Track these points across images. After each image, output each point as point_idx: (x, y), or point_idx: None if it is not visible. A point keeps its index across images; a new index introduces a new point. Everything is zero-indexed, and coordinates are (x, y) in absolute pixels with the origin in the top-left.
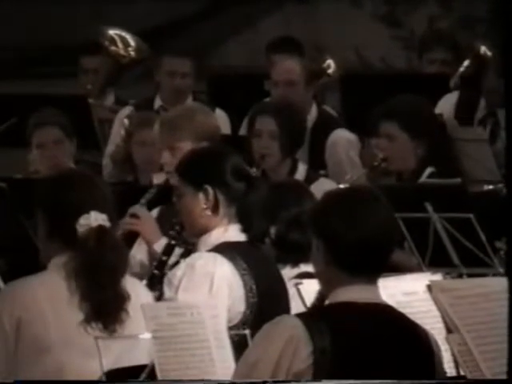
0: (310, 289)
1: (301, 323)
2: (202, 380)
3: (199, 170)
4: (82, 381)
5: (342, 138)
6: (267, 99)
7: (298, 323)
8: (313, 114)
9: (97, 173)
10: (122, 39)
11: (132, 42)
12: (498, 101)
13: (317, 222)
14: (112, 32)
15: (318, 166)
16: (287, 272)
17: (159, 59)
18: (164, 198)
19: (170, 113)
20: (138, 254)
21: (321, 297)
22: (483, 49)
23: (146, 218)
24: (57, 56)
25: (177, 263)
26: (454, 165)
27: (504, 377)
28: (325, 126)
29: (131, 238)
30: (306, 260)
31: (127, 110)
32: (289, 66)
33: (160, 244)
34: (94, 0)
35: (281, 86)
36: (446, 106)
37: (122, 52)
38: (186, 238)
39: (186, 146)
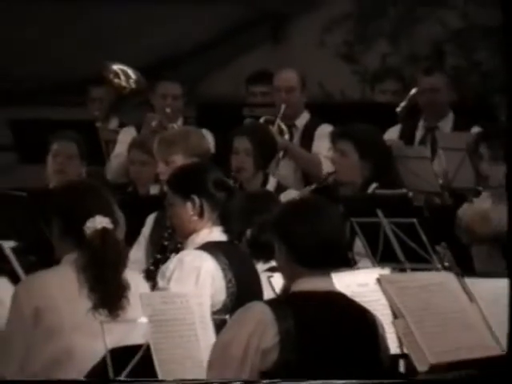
0: (280, 280)
1: (268, 309)
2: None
3: (187, 182)
4: (83, 381)
5: (327, 128)
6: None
7: (266, 309)
8: (306, 116)
9: (102, 183)
10: (124, 73)
11: (132, 75)
12: (437, 121)
13: (278, 228)
14: (115, 67)
15: None
16: (260, 266)
17: (154, 85)
18: (159, 205)
19: (167, 132)
20: (137, 252)
21: (286, 287)
22: (436, 79)
23: None
24: (70, 87)
25: (168, 259)
26: (395, 181)
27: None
28: (314, 123)
29: (132, 237)
30: (274, 256)
31: (131, 130)
32: (289, 75)
33: None
34: (101, 38)
35: (282, 91)
36: (394, 129)
37: (123, 84)
38: (176, 239)
39: (179, 160)
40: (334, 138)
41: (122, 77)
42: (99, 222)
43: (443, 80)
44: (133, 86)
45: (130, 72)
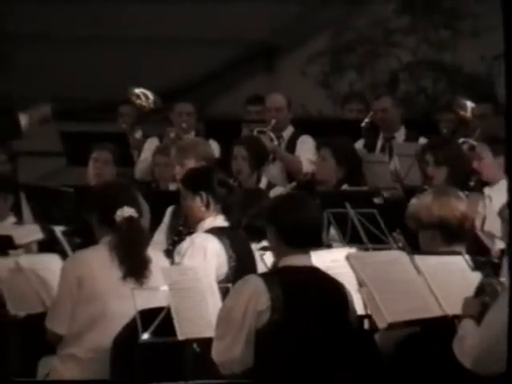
0: (270, 257)
1: (261, 280)
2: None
3: (196, 181)
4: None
5: (307, 138)
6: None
7: (260, 280)
8: (291, 129)
9: (131, 182)
10: (144, 95)
11: (151, 97)
12: (393, 133)
13: (270, 216)
14: (137, 90)
15: None
16: (255, 246)
17: (173, 105)
18: (176, 199)
19: (183, 141)
20: (159, 235)
21: (275, 263)
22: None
23: None
24: (105, 106)
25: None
26: (362, 181)
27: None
28: (297, 134)
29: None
30: (265, 238)
31: (155, 140)
32: (278, 98)
33: None
34: (131, 69)
35: (272, 110)
36: (360, 141)
37: (144, 103)
38: (189, 225)
39: (190, 163)
40: (317, 146)
41: (143, 98)
42: (126, 211)
43: (390, 102)
44: (151, 105)
45: (149, 94)
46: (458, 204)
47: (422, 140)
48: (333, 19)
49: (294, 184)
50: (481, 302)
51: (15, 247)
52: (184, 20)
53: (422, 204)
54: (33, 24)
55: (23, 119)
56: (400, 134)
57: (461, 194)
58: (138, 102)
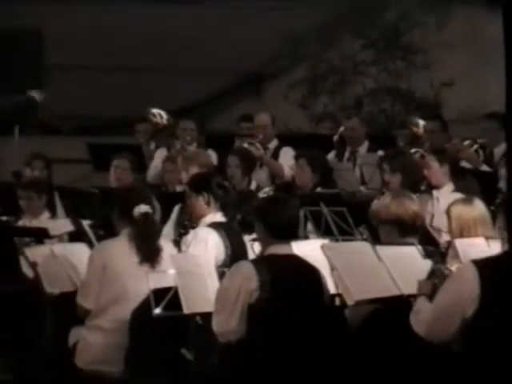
0: (258, 247)
1: (251, 265)
2: None
3: (199, 184)
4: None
5: (288, 149)
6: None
7: (250, 266)
8: (275, 142)
9: (146, 185)
10: (159, 114)
11: (165, 116)
12: (357, 147)
13: (258, 213)
14: (154, 110)
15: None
16: (246, 237)
17: (179, 122)
18: (182, 199)
19: (187, 152)
20: (168, 228)
21: (262, 251)
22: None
23: None
24: (125, 123)
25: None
26: (333, 185)
27: (365, 296)
28: (280, 146)
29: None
30: (255, 231)
31: (164, 150)
32: (264, 117)
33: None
34: (146, 92)
35: (260, 127)
36: (331, 153)
37: (159, 121)
38: (193, 220)
39: (194, 170)
40: (296, 157)
41: (158, 117)
42: (143, 208)
43: (358, 123)
44: (165, 122)
45: (163, 113)
46: (411, 204)
47: (381, 152)
48: (310, 53)
49: (272, 187)
50: (432, 283)
51: (50, 237)
52: (191, 53)
53: (381, 204)
54: (67, 56)
55: None
56: (363, 147)
57: (413, 196)
58: (155, 120)
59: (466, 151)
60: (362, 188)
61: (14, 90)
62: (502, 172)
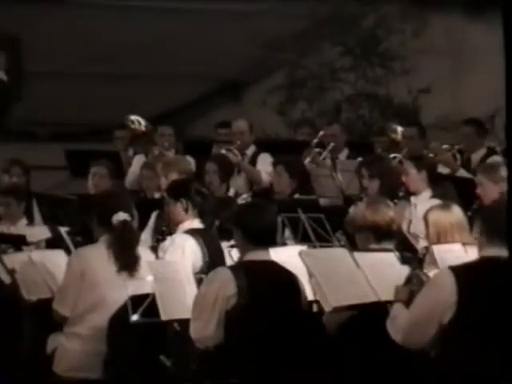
0: (236, 253)
1: (229, 271)
2: None
3: (177, 190)
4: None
5: (266, 155)
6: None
7: (228, 272)
8: (253, 148)
9: (124, 191)
10: (137, 121)
11: (143, 122)
12: (337, 154)
13: (236, 219)
14: (132, 117)
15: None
16: (224, 244)
17: (157, 128)
18: (160, 205)
19: (165, 158)
20: (146, 235)
21: (240, 258)
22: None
23: None
24: (103, 129)
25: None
26: (310, 191)
27: (343, 303)
28: (258, 152)
29: (143, 225)
30: (233, 238)
31: (142, 157)
32: (242, 123)
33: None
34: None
35: (238, 133)
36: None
37: (137, 127)
38: (170, 227)
39: (173, 176)
40: (274, 164)
41: (136, 123)
42: (121, 216)
43: (339, 129)
44: (143, 129)
45: (142, 120)
46: (387, 210)
47: (359, 159)
48: (288, 60)
49: (250, 193)
50: (409, 289)
51: (27, 244)
52: (168, 59)
53: (358, 211)
54: (46, 63)
55: None
56: (343, 154)
57: (389, 202)
58: (133, 126)
59: (444, 155)
60: (340, 193)
61: None
62: (479, 178)
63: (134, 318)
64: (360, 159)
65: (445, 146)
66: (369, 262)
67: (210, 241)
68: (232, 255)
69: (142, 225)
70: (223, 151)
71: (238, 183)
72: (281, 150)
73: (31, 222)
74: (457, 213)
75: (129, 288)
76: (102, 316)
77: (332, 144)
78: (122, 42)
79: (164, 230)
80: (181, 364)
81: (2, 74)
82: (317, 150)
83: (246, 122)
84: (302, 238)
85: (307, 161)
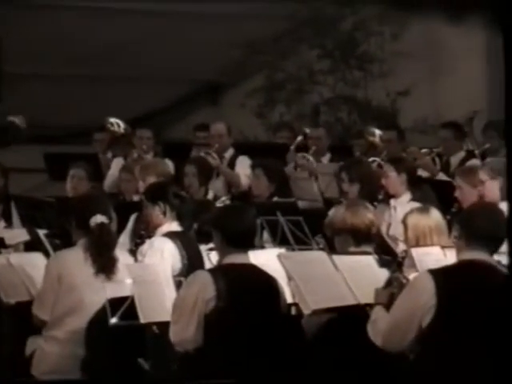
0: (215, 256)
1: (208, 274)
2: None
3: (156, 193)
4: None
5: (244, 158)
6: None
7: (207, 274)
8: (231, 151)
9: (103, 194)
10: (117, 123)
11: (122, 125)
12: (320, 157)
13: (215, 222)
14: (111, 119)
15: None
16: (203, 247)
17: (135, 131)
18: (139, 208)
19: (144, 161)
20: (124, 238)
21: (219, 261)
22: (318, 131)
23: None
24: (82, 132)
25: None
26: (289, 195)
27: (322, 306)
28: (236, 155)
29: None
30: (212, 241)
31: (120, 159)
32: (220, 126)
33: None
34: (103, 101)
35: (216, 136)
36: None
37: (116, 130)
38: (149, 230)
39: (151, 179)
40: (252, 166)
41: (115, 126)
42: (99, 218)
43: (324, 133)
44: (122, 131)
45: (121, 123)
46: (366, 213)
47: (340, 162)
48: (267, 62)
49: (229, 196)
50: (389, 292)
51: (6, 247)
52: (146, 62)
53: (337, 213)
54: (24, 65)
55: None
56: (325, 158)
57: (368, 205)
58: (112, 129)
59: (423, 159)
60: (319, 196)
61: None
62: (458, 181)
63: (113, 320)
64: (340, 163)
65: (424, 150)
66: (348, 265)
67: (188, 243)
68: (211, 258)
69: (121, 227)
70: (202, 154)
71: (216, 186)
72: (259, 152)
73: (9, 224)
74: (435, 216)
75: (107, 291)
76: (80, 319)
77: (314, 147)
78: (100, 45)
79: (143, 234)
80: (160, 367)
81: None
82: (300, 154)
83: (224, 124)
84: (280, 241)
85: (291, 166)
